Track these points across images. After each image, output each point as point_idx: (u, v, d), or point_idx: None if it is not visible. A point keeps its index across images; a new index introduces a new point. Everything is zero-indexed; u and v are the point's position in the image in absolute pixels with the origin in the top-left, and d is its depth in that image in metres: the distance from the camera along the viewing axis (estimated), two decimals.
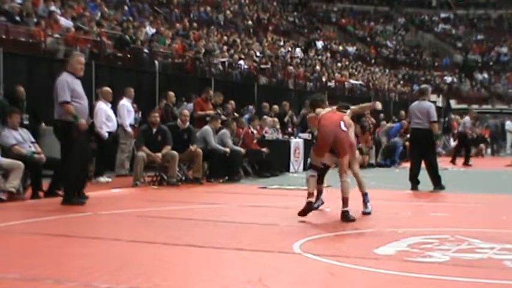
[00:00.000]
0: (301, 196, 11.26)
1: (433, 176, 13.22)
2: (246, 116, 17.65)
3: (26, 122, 13.38)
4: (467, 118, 24.34)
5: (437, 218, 9.36)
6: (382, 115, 27.13)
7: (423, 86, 16.10)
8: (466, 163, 22.78)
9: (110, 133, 14.00)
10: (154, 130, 13.43)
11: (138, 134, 14.17)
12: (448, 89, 46.08)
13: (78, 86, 10.04)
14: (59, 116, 9.96)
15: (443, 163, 22.21)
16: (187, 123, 14.16)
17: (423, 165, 13.39)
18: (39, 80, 15.01)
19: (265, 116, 18.59)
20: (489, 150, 31.87)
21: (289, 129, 19.82)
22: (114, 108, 14.59)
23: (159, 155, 13.11)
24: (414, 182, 13.27)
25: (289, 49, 34.55)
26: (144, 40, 20.72)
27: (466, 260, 6.03)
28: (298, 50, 35.45)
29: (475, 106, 42.97)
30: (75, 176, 10.03)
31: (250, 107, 19.68)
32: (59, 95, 9.88)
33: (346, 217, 8.64)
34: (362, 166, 19.84)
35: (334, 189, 13.33)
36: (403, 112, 26.60)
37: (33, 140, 11.40)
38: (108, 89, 14.45)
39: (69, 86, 9.88)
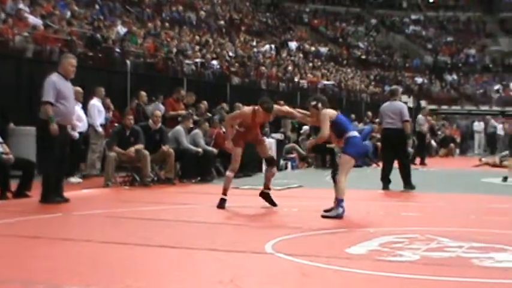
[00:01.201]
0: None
1: (405, 176, 13.34)
2: (217, 116, 17.61)
3: None
4: (420, 116, 24.23)
5: (408, 217, 9.45)
6: (353, 116, 27.28)
7: (394, 86, 16.24)
8: (422, 162, 22.85)
9: (80, 133, 13.89)
10: (128, 132, 13.37)
11: (109, 134, 14.09)
12: (419, 90, 46.48)
13: (66, 87, 10.12)
14: (42, 115, 10.01)
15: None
16: (159, 124, 14.12)
17: (396, 165, 13.50)
18: (7, 79, 14.85)
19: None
20: (458, 151, 32.20)
21: (266, 129, 19.82)
22: (85, 108, 14.47)
23: (132, 149, 13.07)
24: (386, 181, 13.38)
25: (262, 49, 34.57)
26: (116, 39, 20.60)
27: (435, 259, 6.09)
28: (267, 46, 35.39)
29: (444, 107, 43.45)
30: (53, 175, 10.06)
31: (221, 106, 19.57)
32: (43, 94, 9.97)
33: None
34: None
35: (306, 189, 13.41)
36: (370, 113, 26.76)
37: (1, 140, 11.25)
38: (78, 88, 14.28)
39: (56, 86, 9.94)
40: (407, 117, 13.42)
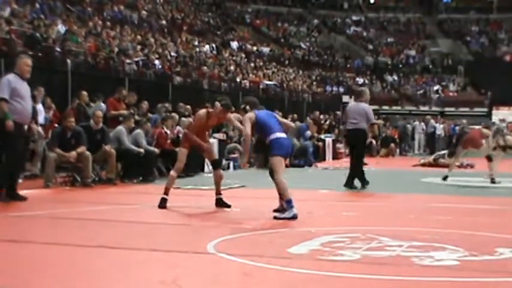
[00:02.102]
0: (214, 196, 11.29)
1: (351, 175, 13.59)
2: (155, 116, 17.49)
3: None
4: None
5: (349, 217, 9.58)
6: (295, 115, 27.48)
7: (360, 88, 16.47)
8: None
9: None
10: (69, 134, 13.18)
11: (48, 134, 13.87)
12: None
13: (21, 86, 10.33)
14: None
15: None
16: (101, 124, 13.98)
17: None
18: None
19: (174, 114, 18.36)
20: (398, 150, 32.72)
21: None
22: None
23: (73, 153, 12.91)
24: (363, 180, 13.56)
25: (204, 49, 34.53)
26: (56, 38, 20.28)
27: (376, 258, 6.19)
28: (207, 47, 35.36)
29: (385, 107, 44.12)
30: (16, 167, 10.48)
31: (162, 105, 19.44)
32: None
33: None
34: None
35: (249, 189, 13.46)
36: (317, 112, 27.00)
37: None
38: None
39: (10, 84, 10.15)
40: (373, 119, 13.86)
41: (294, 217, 8.82)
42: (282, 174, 9.30)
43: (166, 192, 10.03)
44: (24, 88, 10.41)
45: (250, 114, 9.47)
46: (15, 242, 6.95)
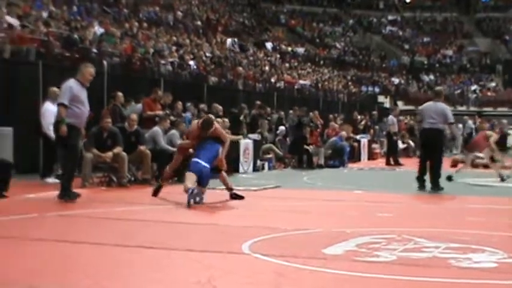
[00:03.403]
0: (250, 197, 11.33)
1: (434, 177, 13.33)
2: (187, 115, 17.57)
3: None
4: (390, 116, 24.22)
5: (385, 218, 9.50)
6: (331, 116, 27.38)
7: (438, 88, 16.32)
8: (396, 162, 22.95)
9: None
10: (105, 134, 13.30)
11: (86, 134, 13.99)
12: (396, 90, 46.74)
13: (82, 93, 10.76)
14: (57, 116, 10.62)
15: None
16: (135, 127, 14.10)
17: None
18: None
19: (210, 115, 18.40)
20: None
21: (244, 130, 19.84)
22: None
23: (110, 154, 13.01)
24: (421, 181, 13.41)
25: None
26: (93, 40, 20.49)
27: (412, 259, 6.14)
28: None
29: (420, 107, 43.66)
30: (73, 173, 10.76)
31: (189, 103, 19.50)
32: (59, 97, 10.74)
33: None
34: (311, 166, 20.11)
35: (283, 190, 13.44)
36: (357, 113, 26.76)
37: None
38: (55, 89, 14.20)
39: (72, 91, 10.57)
40: (452, 119, 13.56)
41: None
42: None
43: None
44: (84, 94, 10.83)
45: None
46: (52, 241, 7.03)
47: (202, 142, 10.95)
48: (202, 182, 10.49)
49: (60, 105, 10.56)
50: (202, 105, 19.28)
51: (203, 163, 10.62)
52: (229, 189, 11.23)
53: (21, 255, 6.22)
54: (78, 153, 10.86)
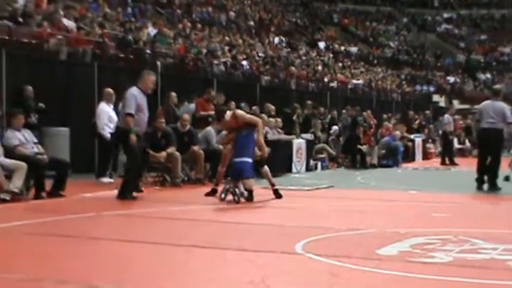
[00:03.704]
0: (303, 197, 11.32)
1: (491, 177, 13.13)
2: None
3: (34, 121, 13.46)
4: (446, 115, 23.83)
5: (440, 218, 9.35)
6: (384, 115, 27.14)
7: (497, 86, 16.02)
8: (451, 162, 22.56)
9: (112, 134, 13.99)
10: (160, 134, 13.43)
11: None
12: (451, 89, 46.04)
13: (143, 100, 11.11)
14: (123, 124, 11.05)
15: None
16: (187, 127, 14.20)
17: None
18: (41, 81, 15.02)
19: (263, 115, 18.43)
20: None
21: (297, 130, 19.81)
22: (116, 109, 14.57)
23: (163, 154, 13.12)
24: (480, 182, 13.21)
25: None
26: (147, 41, 20.73)
27: (469, 261, 6.03)
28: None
29: (478, 106, 42.92)
30: (135, 175, 11.24)
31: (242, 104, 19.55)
32: (126, 106, 10.99)
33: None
34: (365, 166, 19.96)
35: (336, 190, 13.36)
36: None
37: (36, 140, 11.44)
38: (110, 90, 14.45)
39: (136, 100, 10.91)
40: (510, 118, 13.25)
41: None
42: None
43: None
44: (145, 102, 11.16)
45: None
46: (109, 240, 7.13)
47: (239, 137, 11.06)
48: (243, 176, 10.70)
49: (128, 115, 10.89)
50: (255, 107, 19.30)
51: (243, 159, 10.80)
52: (272, 184, 11.36)
53: (79, 254, 6.32)
54: (139, 159, 11.15)
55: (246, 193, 10.65)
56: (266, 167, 11.47)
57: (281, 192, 11.40)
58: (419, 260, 6.06)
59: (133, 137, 10.78)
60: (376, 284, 5.27)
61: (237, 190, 10.66)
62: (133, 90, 11.03)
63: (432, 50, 51.89)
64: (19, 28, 16.12)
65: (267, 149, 11.29)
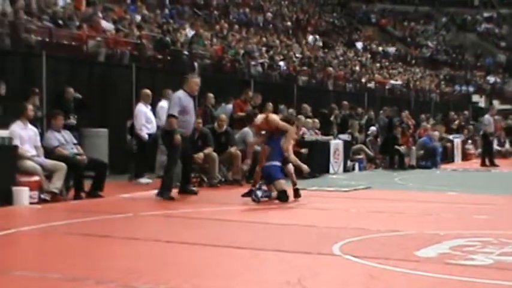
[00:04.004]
0: (341, 198, 11.26)
1: None
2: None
3: (74, 122, 13.62)
4: (486, 116, 23.39)
5: (480, 220, 9.22)
6: (423, 116, 26.88)
7: None
8: (492, 163, 22.20)
9: (149, 135, 14.10)
10: (197, 135, 13.48)
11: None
12: (491, 90, 45.42)
13: (189, 103, 11.40)
14: (167, 126, 11.38)
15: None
16: (224, 127, 14.22)
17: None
18: (80, 82, 15.19)
19: (300, 116, 18.41)
20: None
21: (335, 130, 19.73)
22: (154, 110, 14.68)
23: (201, 155, 13.16)
24: None
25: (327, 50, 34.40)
26: (184, 42, 20.84)
27: (509, 263, 5.93)
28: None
29: None
30: (172, 175, 11.35)
31: (282, 106, 19.53)
32: (169, 108, 11.41)
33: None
34: (403, 167, 19.79)
35: (374, 191, 13.26)
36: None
37: (75, 141, 11.57)
38: (147, 91, 14.54)
39: (181, 102, 11.22)
40: None
41: None
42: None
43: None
44: (191, 104, 11.44)
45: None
46: (146, 240, 7.16)
47: (270, 141, 11.25)
48: (273, 179, 10.89)
49: (170, 116, 11.19)
50: (291, 110, 19.26)
51: (273, 163, 11.02)
52: (294, 183, 11.29)
53: (117, 254, 6.37)
54: (177, 160, 11.37)
55: (274, 195, 10.82)
56: (291, 166, 11.45)
57: (318, 193, 11.35)
58: (459, 262, 5.97)
59: (177, 137, 11.01)
60: (416, 286, 5.21)
61: (272, 193, 10.80)
62: (179, 93, 11.35)
63: (472, 49, 51.24)
64: (59, 30, 16.33)
65: (293, 156, 11.46)
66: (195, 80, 11.64)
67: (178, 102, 11.20)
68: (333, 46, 36.29)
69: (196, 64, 19.88)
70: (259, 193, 10.73)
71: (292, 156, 11.38)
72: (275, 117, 11.65)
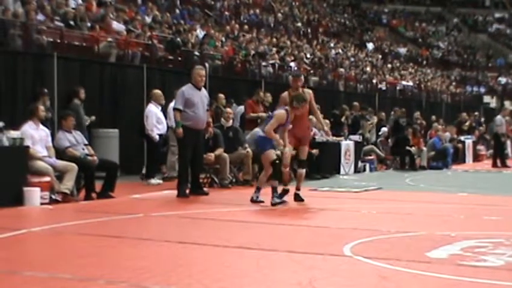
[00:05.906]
0: (352, 198, 11.23)
1: None
2: None
3: (87, 123, 13.65)
4: (498, 117, 23.21)
5: (491, 221, 9.18)
6: (433, 117, 26.79)
7: None
8: (503, 164, 22.06)
9: (160, 135, 14.11)
10: (207, 136, 13.48)
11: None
12: (503, 90, 45.23)
13: (195, 96, 11.39)
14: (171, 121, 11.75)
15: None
16: (231, 121, 14.23)
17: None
18: (91, 83, 15.23)
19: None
20: None
21: (345, 131, 19.70)
22: (165, 110, 14.69)
23: (212, 155, 13.16)
24: None
25: (339, 51, 34.38)
26: (195, 43, 20.87)
27: None
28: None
29: None
30: (183, 172, 11.46)
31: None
32: (174, 102, 11.59)
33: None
34: (414, 168, 19.73)
35: (385, 191, 13.23)
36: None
37: (86, 142, 11.60)
38: (158, 91, 14.56)
39: (184, 95, 11.29)
40: None
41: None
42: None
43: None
44: (198, 96, 11.41)
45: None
46: (156, 241, 7.17)
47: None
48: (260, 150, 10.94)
49: (174, 110, 11.44)
50: None
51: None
52: (297, 188, 11.07)
53: (128, 255, 6.38)
54: (187, 153, 11.36)
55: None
56: (303, 170, 11.28)
57: (329, 194, 11.31)
58: (470, 263, 5.95)
59: (179, 130, 11.14)
60: (427, 287, 5.18)
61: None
62: (184, 87, 11.47)
63: (483, 50, 51.08)
64: (70, 31, 16.38)
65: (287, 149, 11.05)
66: (198, 71, 11.66)
67: (181, 95, 11.34)
68: (344, 47, 36.22)
69: (207, 65, 19.89)
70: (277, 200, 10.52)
71: (273, 134, 10.80)
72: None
